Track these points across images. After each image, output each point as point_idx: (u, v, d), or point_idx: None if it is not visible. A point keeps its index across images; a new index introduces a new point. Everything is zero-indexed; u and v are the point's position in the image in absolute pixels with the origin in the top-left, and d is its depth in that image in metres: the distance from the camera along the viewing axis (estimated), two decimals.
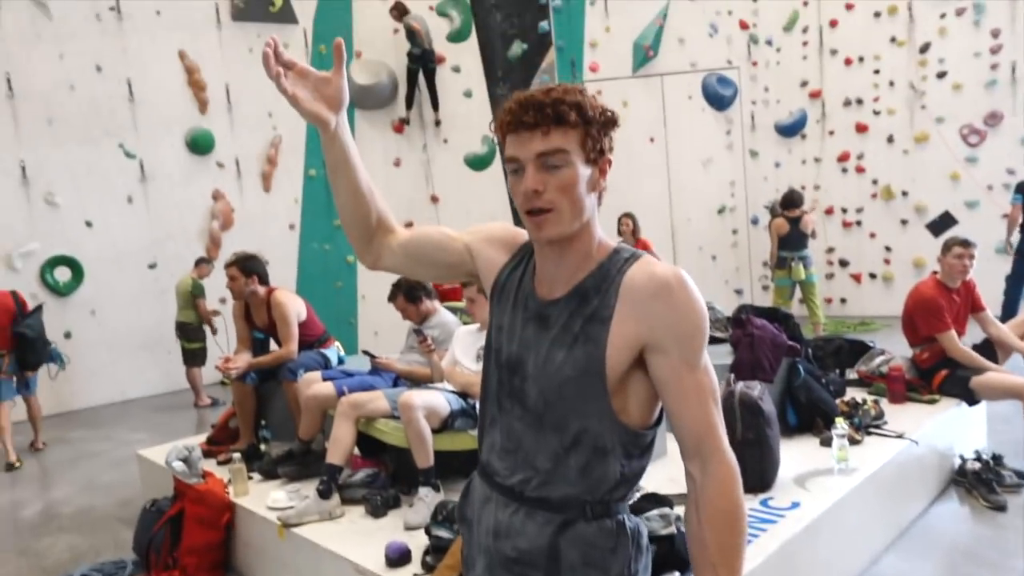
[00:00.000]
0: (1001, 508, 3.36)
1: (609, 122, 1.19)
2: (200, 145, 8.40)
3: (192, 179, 8.42)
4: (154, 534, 3.66)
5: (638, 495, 2.58)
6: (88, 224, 7.85)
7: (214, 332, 7.37)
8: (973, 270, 3.99)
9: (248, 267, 4.33)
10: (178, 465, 3.76)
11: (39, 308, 6.07)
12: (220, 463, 4.14)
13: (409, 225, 8.77)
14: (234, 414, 4.49)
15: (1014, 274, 7.13)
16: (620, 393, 1.17)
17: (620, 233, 7.58)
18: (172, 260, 8.09)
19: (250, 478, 3.74)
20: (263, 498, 3.46)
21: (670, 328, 1.13)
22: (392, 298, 3.94)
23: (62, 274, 7.71)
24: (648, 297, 1.13)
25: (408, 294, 3.86)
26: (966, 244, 3.95)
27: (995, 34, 8.40)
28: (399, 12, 8.96)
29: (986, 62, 8.48)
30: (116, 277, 7.97)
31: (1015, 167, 8.20)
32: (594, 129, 1.16)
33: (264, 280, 4.37)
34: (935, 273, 4.09)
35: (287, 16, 8.86)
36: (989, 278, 7.41)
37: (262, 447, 4.18)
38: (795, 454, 3.19)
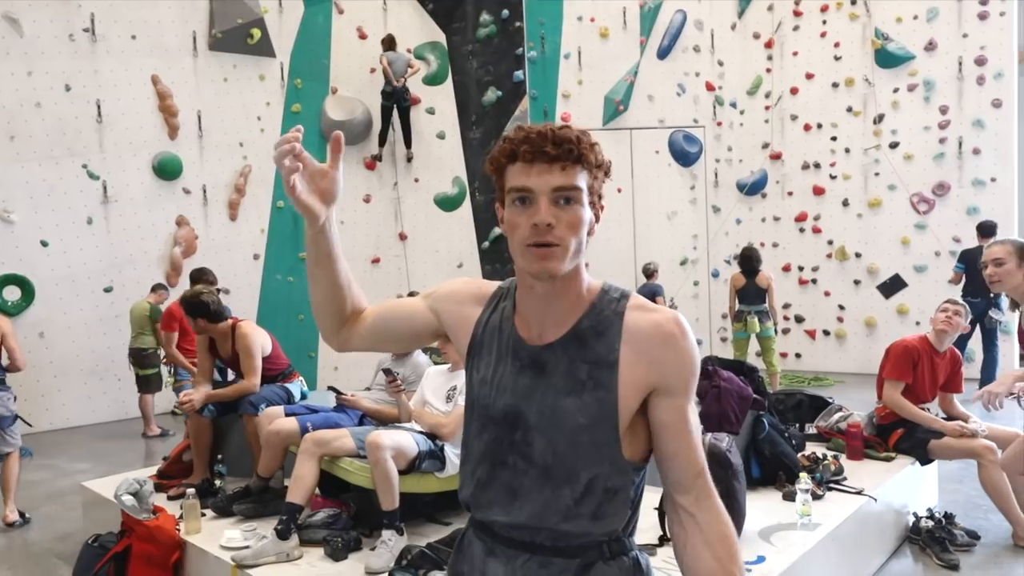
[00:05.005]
0: (954, 567, 3.44)
1: (608, 171, 1.22)
2: (167, 170, 8.30)
3: (156, 204, 8.28)
4: (96, 572, 3.49)
5: None
6: (44, 244, 7.63)
7: (168, 359, 7.17)
8: (956, 333, 4.03)
9: (192, 309, 4.20)
10: (128, 499, 3.61)
11: None
12: (171, 498, 3.99)
13: (376, 261, 8.80)
14: (188, 447, 4.35)
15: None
16: (627, 435, 1.17)
17: None
18: (130, 284, 7.89)
19: (203, 515, 3.61)
20: (216, 537, 3.33)
21: (678, 374, 1.16)
22: None
23: (11, 293, 7.45)
24: (657, 345, 1.15)
25: None
26: (955, 303, 4.05)
27: (943, 110, 8.91)
28: (384, 46, 9.09)
29: (935, 136, 8.97)
30: (69, 299, 7.73)
31: (961, 236, 8.61)
32: (600, 174, 1.19)
33: (214, 318, 4.21)
34: (928, 332, 4.14)
35: (265, 49, 8.91)
36: None
37: (217, 483, 4.04)
38: (759, 507, 3.23)
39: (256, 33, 8.79)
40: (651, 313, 1.18)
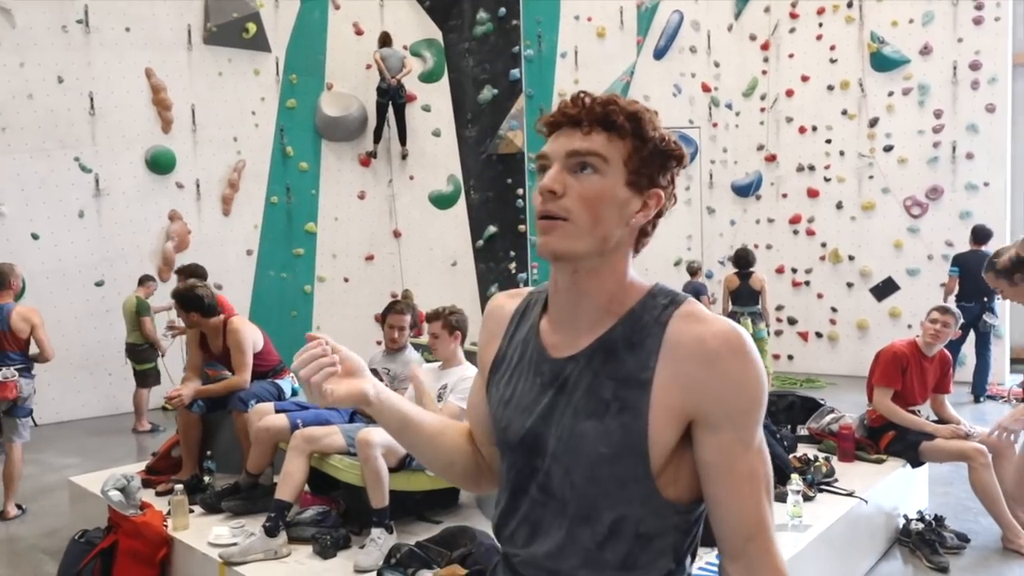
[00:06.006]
0: (944, 570, 3.44)
1: (671, 154, 1.00)
2: (160, 164, 8.25)
3: (149, 198, 8.23)
4: (82, 568, 3.46)
5: None
6: (34, 237, 7.57)
7: (162, 354, 7.12)
8: (945, 341, 4.01)
9: (185, 302, 4.17)
10: (114, 495, 3.58)
11: None
12: (159, 494, 3.97)
13: (370, 259, 8.73)
14: (177, 442, 4.33)
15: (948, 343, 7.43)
16: (667, 471, 0.96)
17: None
18: (122, 279, 7.84)
19: (191, 511, 3.59)
20: (204, 533, 3.31)
21: (723, 403, 0.93)
22: (395, 311, 3.85)
23: None
24: (698, 363, 0.93)
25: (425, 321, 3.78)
26: (944, 311, 4.01)
27: (937, 115, 8.94)
28: (380, 42, 9.09)
29: (929, 140, 9.00)
30: (59, 293, 7.67)
31: (953, 239, 8.65)
32: (647, 150, 0.98)
33: (208, 313, 4.19)
34: (917, 337, 4.12)
35: (260, 44, 8.86)
36: None
37: (206, 479, 4.02)
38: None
39: (251, 27, 8.74)
40: (698, 324, 0.95)
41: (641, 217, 1.00)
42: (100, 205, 7.97)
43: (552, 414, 1.00)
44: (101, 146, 7.96)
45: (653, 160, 0.99)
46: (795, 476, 3.21)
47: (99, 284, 7.90)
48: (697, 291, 8.05)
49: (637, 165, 0.97)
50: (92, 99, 7.86)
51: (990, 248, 7.28)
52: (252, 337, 4.29)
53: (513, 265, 9.37)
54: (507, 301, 1.17)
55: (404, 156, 9.58)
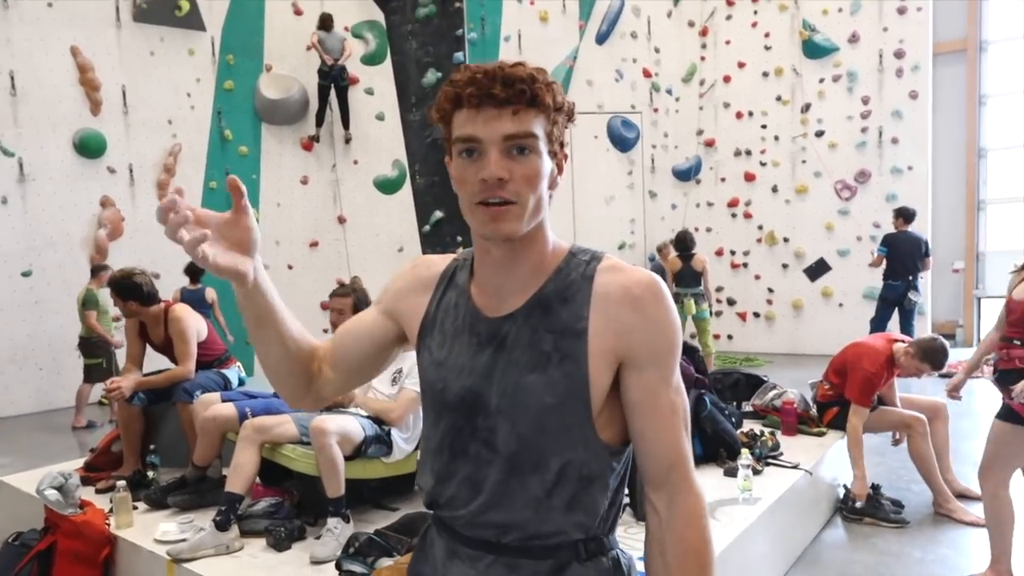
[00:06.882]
0: (905, 523, 3.74)
1: (571, 113, 1.06)
2: (90, 148, 7.86)
3: (79, 183, 7.85)
4: (17, 572, 3.31)
5: None
6: None
7: (116, 346, 6.80)
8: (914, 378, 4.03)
9: (123, 291, 3.97)
10: (51, 494, 3.43)
11: None
12: (100, 491, 3.81)
13: (315, 245, 8.52)
14: (117, 437, 4.16)
15: (877, 318, 7.81)
16: (602, 414, 1.04)
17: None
18: (51, 268, 7.48)
19: (135, 508, 3.46)
20: (150, 530, 3.20)
21: (649, 343, 1.02)
22: (337, 294, 3.74)
23: None
24: (625, 310, 1.02)
25: (358, 304, 3.67)
26: (936, 366, 3.87)
27: (865, 101, 9.31)
28: (320, 24, 8.86)
29: (857, 125, 9.37)
30: None
31: (881, 221, 9.04)
32: (561, 118, 1.04)
33: (147, 301, 4.00)
34: (893, 352, 3.98)
35: (194, 22, 8.52)
36: (856, 323, 8.10)
37: (150, 474, 3.88)
38: (702, 484, 3.30)
39: (185, 5, 8.39)
40: (621, 274, 1.04)
41: (558, 178, 1.07)
42: (25, 191, 7.55)
43: (493, 372, 1.04)
44: (25, 128, 7.53)
45: (562, 125, 1.05)
46: (745, 451, 3.32)
47: (26, 274, 7.50)
48: (664, 272, 8.24)
49: (556, 134, 1.04)
50: (13, 78, 7.42)
51: (916, 228, 7.66)
52: (196, 325, 4.15)
53: (461, 250, 9.34)
54: (437, 261, 1.21)
55: (348, 140, 9.39)
